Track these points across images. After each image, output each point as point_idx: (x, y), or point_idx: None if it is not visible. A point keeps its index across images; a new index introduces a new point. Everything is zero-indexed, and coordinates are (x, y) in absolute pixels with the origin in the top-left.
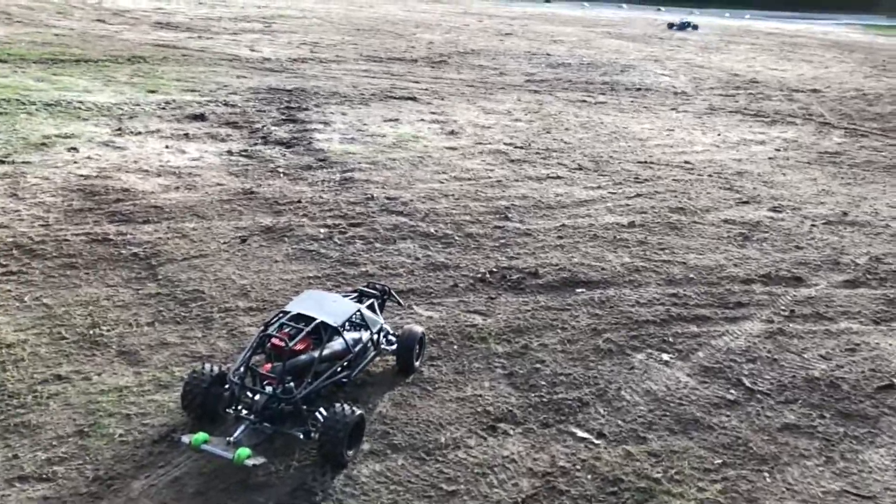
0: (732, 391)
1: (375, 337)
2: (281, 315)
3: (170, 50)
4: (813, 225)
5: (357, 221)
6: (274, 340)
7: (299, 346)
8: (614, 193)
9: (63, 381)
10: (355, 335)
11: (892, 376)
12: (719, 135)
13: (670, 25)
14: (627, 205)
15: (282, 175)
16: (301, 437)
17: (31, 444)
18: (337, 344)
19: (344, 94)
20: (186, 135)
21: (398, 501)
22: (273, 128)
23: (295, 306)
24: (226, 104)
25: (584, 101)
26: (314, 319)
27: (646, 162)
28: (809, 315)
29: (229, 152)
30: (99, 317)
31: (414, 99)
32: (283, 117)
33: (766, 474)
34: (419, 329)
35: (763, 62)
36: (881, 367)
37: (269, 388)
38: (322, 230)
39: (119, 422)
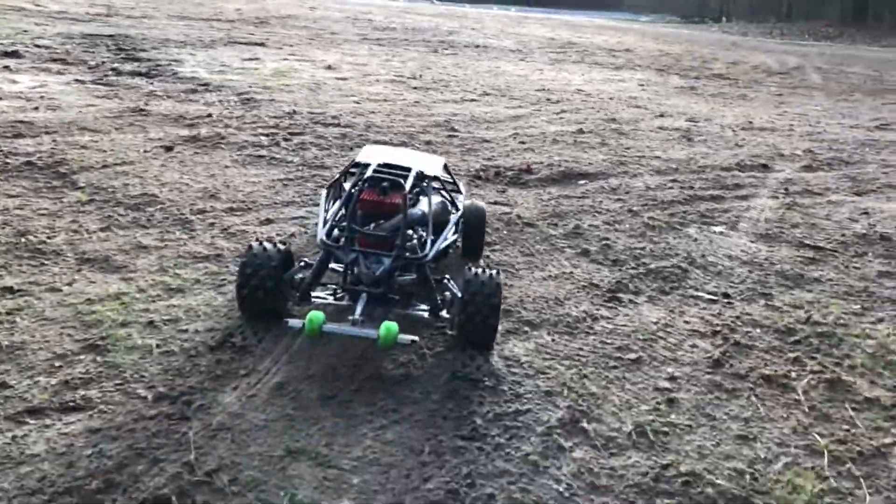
0: (805, 251)
1: (461, 197)
2: (358, 167)
3: None
4: (732, 130)
5: (295, 132)
6: (365, 195)
7: (396, 201)
8: (539, 111)
9: (20, 294)
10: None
11: (889, 232)
12: (583, 75)
13: None
14: (561, 118)
15: (166, 97)
16: (427, 314)
17: (21, 369)
18: (436, 199)
19: (179, 40)
20: (7, 67)
21: (586, 376)
22: (117, 64)
23: (372, 158)
24: (37, 46)
25: (435, 51)
26: (406, 170)
27: (544, 89)
28: (803, 191)
29: (78, 81)
30: (21, 225)
31: (262, 45)
32: (121, 56)
33: (859, 307)
34: (482, 203)
35: (568, 35)
36: (890, 223)
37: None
38: (263, 138)
39: (142, 332)
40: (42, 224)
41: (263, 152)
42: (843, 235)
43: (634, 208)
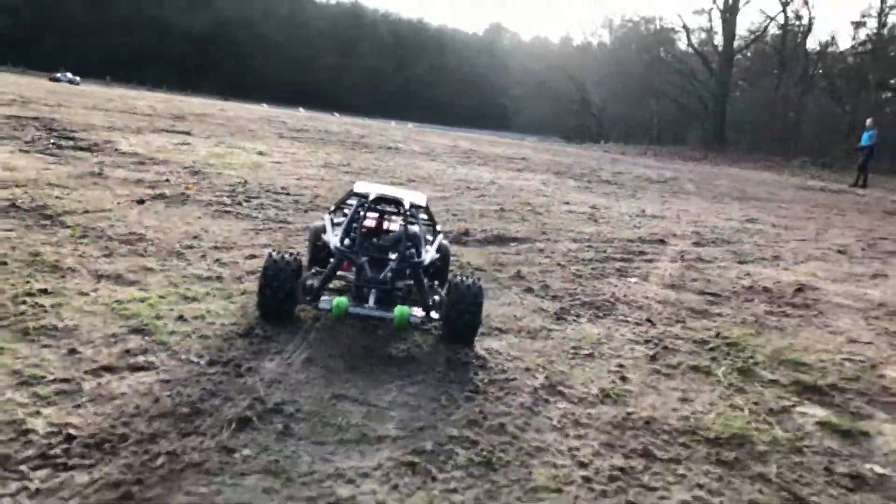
0: (706, 297)
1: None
2: (357, 195)
3: None
4: (629, 216)
5: (252, 196)
6: (367, 223)
7: (393, 227)
8: (462, 194)
9: (54, 295)
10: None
11: (768, 286)
12: (491, 173)
13: (54, 79)
14: (483, 200)
15: (116, 167)
16: (421, 314)
17: (82, 342)
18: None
19: (105, 126)
20: None
21: (553, 361)
22: (53, 140)
23: (369, 189)
24: None
25: (353, 149)
26: (399, 201)
27: (462, 180)
28: (696, 259)
29: (23, 151)
30: (30, 248)
31: (189, 133)
32: (55, 135)
33: (755, 330)
34: (446, 241)
35: (468, 145)
36: (768, 280)
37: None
38: (225, 198)
39: (176, 323)
40: (48, 249)
41: (229, 209)
42: (734, 287)
43: (561, 263)
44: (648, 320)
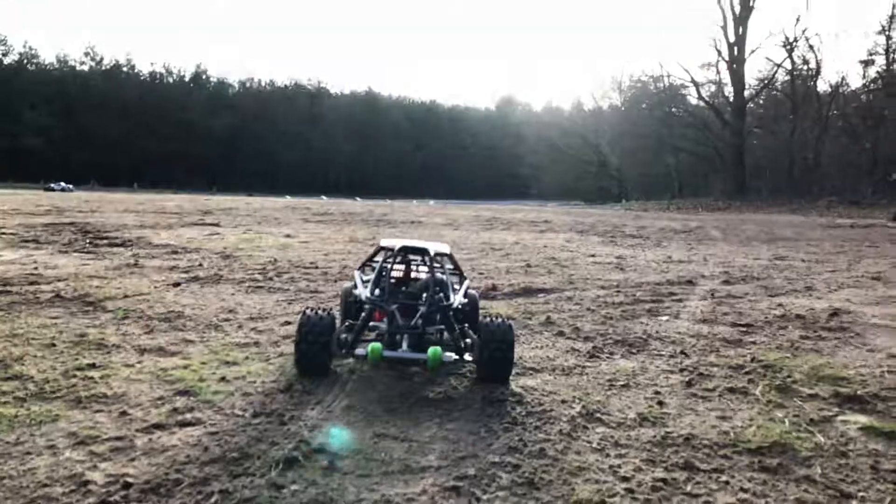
0: (739, 328)
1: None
2: (384, 249)
3: None
4: (656, 263)
5: (282, 272)
6: (395, 273)
7: (420, 276)
8: (487, 255)
9: (101, 368)
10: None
11: (802, 313)
12: (515, 236)
13: (48, 188)
14: (508, 258)
15: (150, 258)
16: (454, 356)
17: (131, 406)
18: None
19: (136, 225)
20: None
21: (589, 393)
22: (89, 240)
23: (394, 242)
24: (3, 233)
25: (377, 226)
26: (423, 250)
27: (486, 243)
28: (727, 295)
29: (62, 252)
30: (76, 331)
31: (217, 225)
32: (90, 237)
33: (791, 353)
34: (473, 290)
35: (489, 214)
36: (801, 309)
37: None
38: (258, 276)
39: (219, 384)
40: (93, 331)
41: (261, 284)
42: (766, 318)
43: (591, 308)
44: (682, 352)
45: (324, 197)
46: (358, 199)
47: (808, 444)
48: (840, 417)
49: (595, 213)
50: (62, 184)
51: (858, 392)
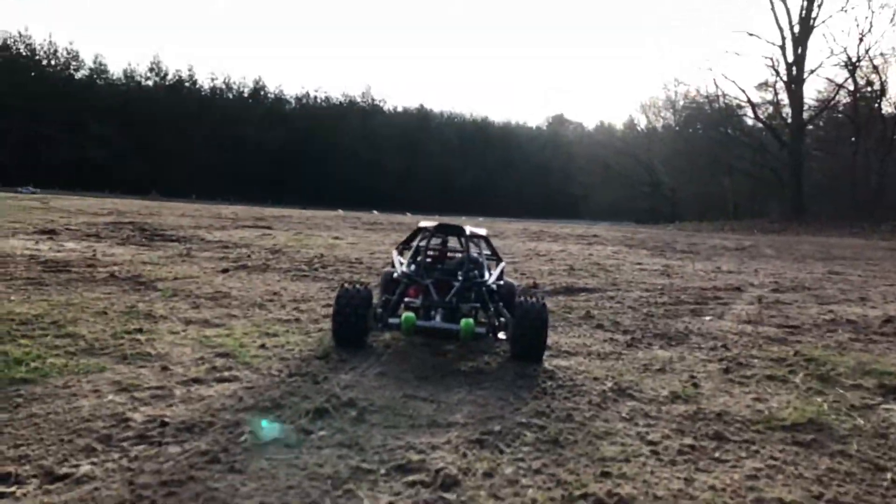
0: (785, 329)
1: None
2: (421, 230)
3: None
4: (704, 272)
5: (328, 265)
6: (431, 253)
7: (454, 254)
8: (531, 260)
9: (148, 333)
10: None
11: (853, 318)
12: (562, 246)
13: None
14: (552, 262)
15: (203, 250)
16: (486, 332)
17: (172, 363)
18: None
19: (192, 226)
20: (51, 238)
21: (623, 374)
22: (146, 237)
23: (431, 223)
24: (69, 229)
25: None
26: (460, 230)
27: (531, 251)
28: (775, 301)
29: (119, 244)
30: (126, 304)
31: (270, 227)
32: (147, 234)
33: (838, 352)
34: (511, 279)
35: (537, 227)
36: (853, 315)
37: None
38: (304, 266)
39: (258, 350)
40: (142, 305)
41: (307, 274)
42: (815, 321)
43: (633, 307)
44: (723, 346)
45: (375, 211)
46: (408, 213)
47: (846, 424)
48: (883, 406)
49: (645, 231)
50: (30, 188)
51: None
